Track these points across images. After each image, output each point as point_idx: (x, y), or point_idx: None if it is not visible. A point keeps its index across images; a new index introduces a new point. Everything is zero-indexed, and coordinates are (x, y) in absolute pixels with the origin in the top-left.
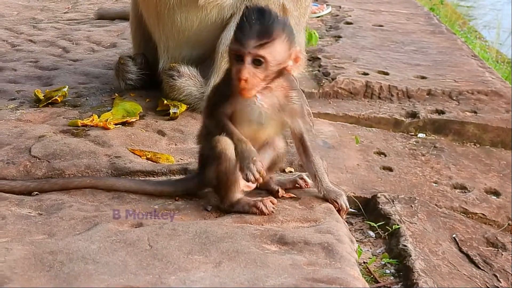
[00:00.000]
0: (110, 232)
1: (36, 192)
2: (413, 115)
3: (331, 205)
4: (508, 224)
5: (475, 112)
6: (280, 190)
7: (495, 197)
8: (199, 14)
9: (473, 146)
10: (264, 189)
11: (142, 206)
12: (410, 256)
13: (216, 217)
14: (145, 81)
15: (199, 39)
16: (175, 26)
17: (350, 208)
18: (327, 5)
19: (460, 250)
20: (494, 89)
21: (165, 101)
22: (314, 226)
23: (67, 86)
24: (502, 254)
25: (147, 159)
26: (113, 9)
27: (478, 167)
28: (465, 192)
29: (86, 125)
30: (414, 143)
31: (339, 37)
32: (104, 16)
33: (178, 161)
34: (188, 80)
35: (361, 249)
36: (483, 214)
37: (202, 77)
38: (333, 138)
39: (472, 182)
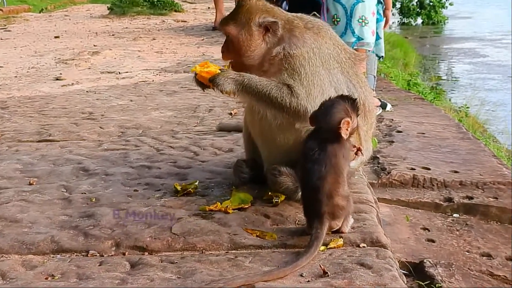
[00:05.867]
0: None
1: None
2: (449, 200)
3: (396, 273)
4: None
5: (496, 198)
6: None
7: None
8: (295, 134)
9: (495, 223)
10: None
11: (254, 271)
12: None
13: (308, 281)
14: (255, 178)
15: (294, 149)
16: (275, 143)
17: (403, 270)
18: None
19: None
20: (510, 180)
21: (269, 193)
22: None
23: (197, 181)
24: None
25: (257, 236)
26: (230, 123)
27: (500, 240)
28: (490, 259)
29: (212, 210)
30: (451, 221)
31: (392, 142)
32: (223, 129)
33: (279, 238)
34: (286, 178)
35: None
36: (505, 276)
37: (296, 174)
38: (389, 217)
39: (496, 251)
